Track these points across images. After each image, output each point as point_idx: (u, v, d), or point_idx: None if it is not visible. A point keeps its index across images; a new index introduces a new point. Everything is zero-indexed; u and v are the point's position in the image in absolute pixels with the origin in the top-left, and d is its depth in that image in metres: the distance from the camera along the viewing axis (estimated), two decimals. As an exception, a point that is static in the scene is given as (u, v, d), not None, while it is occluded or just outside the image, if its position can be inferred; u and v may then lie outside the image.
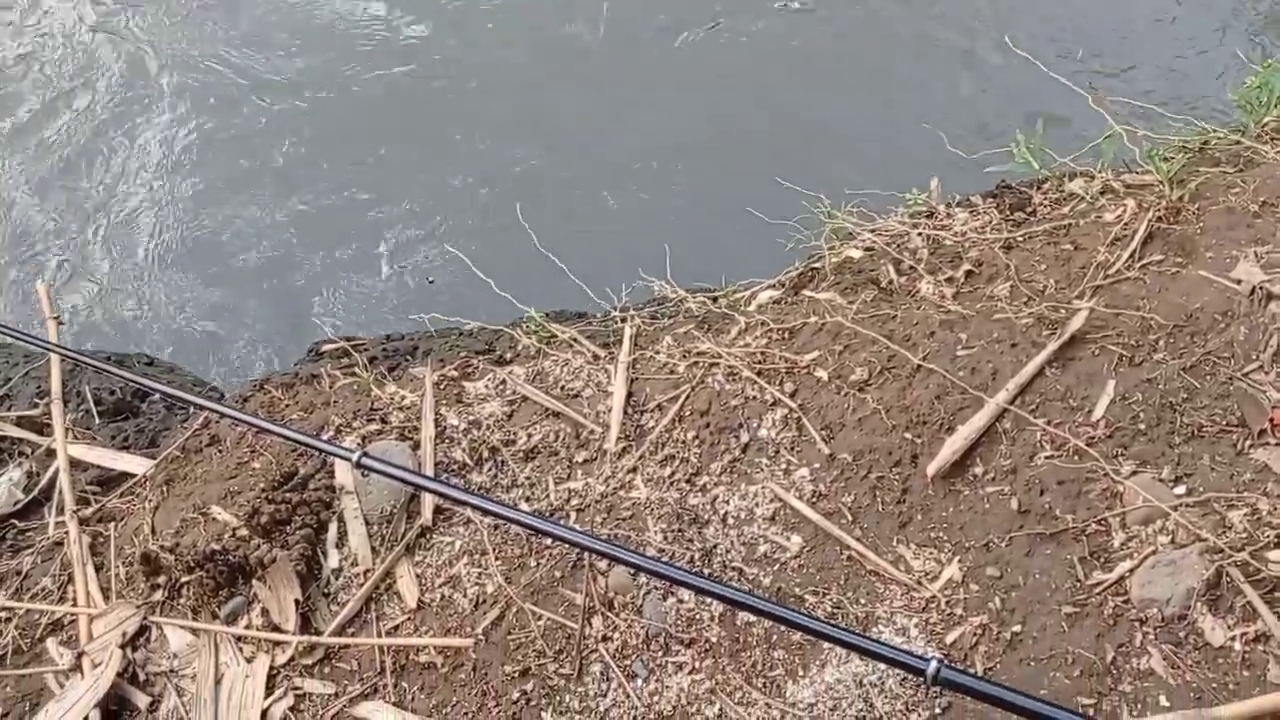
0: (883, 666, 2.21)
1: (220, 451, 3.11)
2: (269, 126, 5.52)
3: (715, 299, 3.21)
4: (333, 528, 2.73)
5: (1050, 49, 3.58)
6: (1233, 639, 2.02)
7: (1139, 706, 2.00)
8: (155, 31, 6.27)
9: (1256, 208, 2.56)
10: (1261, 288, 2.38)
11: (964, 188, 3.21)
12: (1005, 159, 3.15)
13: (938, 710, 2.13)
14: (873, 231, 3.07)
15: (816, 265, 3.11)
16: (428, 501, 2.70)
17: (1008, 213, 3.02)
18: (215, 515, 2.83)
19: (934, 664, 1.89)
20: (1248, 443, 2.22)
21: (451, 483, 2.71)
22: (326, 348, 3.72)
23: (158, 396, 3.78)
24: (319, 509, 2.73)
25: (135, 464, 3.23)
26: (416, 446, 2.84)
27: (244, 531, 2.70)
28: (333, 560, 2.69)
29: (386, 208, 4.89)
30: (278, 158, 5.32)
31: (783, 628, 2.31)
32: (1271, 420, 2.22)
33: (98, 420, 3.62)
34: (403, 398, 3.04)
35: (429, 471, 2.76)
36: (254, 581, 2.64)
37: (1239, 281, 2.41)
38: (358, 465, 2.44)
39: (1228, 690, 1.97)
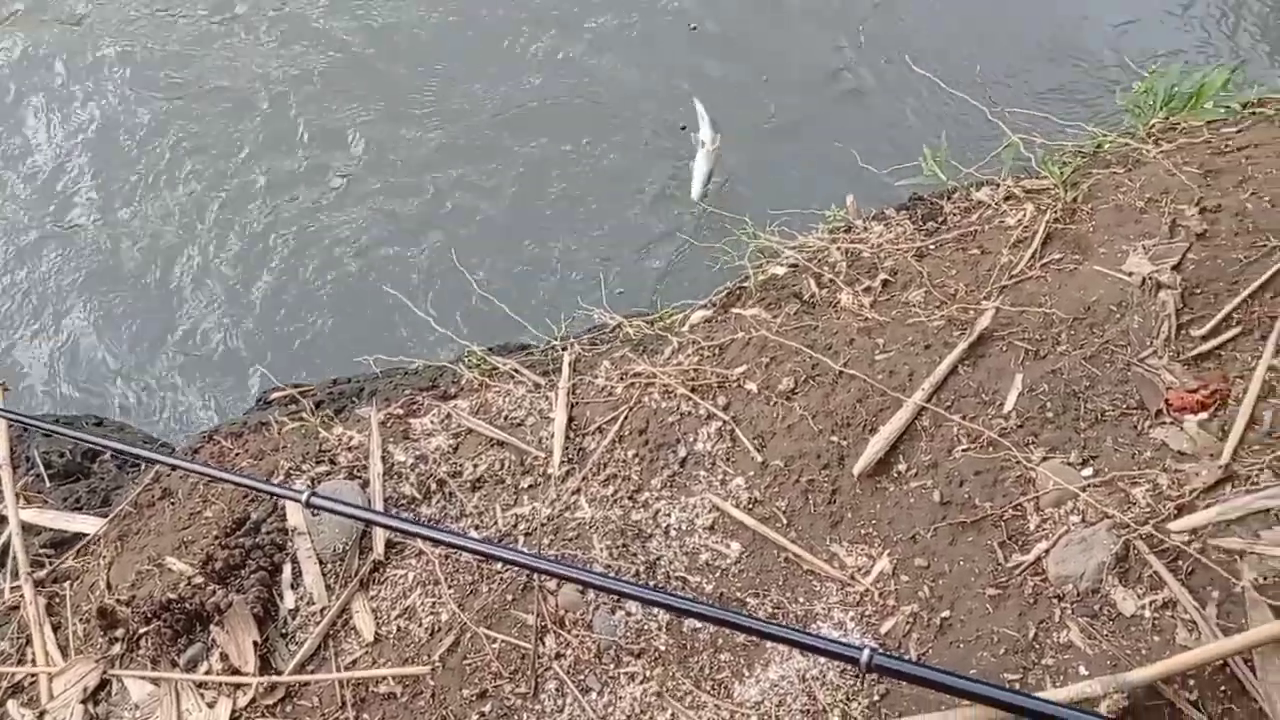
0: (823, 660, 2.32)
1: (173, 504, 3.16)
2: (201, 175, 5.57)
3: (652, 322, 3.33)
4: (287, 569, 2.79)
5: (951, 67, 3.75)
6: (1143, 607, 2.15)
7: (1061, 678, 2.12)
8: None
9: (1143, 204, 2.73)
10: (1151, 278, 2.54)
11: (879, 202, 3.35)
12: (916, 172, 3.30)
13: (876, 697, 2.23)
14: (795, 249, 3.21)
15: (744, 284, 3.24)
16: (379, 536, 2.77)
17: (920, 223, 3.17)
18: (170, 565, 2.88)
19: (866, 652, 2.00)
20: (1146, 423, 2.37)
21: (401, 516, 2.78)
22: (275, 396, 3.78)
23: (109, 456, 3.81)
24: (272, 551, 2.79)
25: (88, 524, 3.26)
26: (365, 484, 2.91)
27: (199, 579, 2.75)
28: (289, 600, 2.75)
29: (320, 254, 4.95)
30: (211, 206, 5.37)
31: (727, 631, 2.41)
32: (1167, 401, 2.37)
33: (49, 483, 3.64)
34: (350, 438, 3.11)
35: (378, 507, 2.83)
36: (211, 627, 2.69)
37: (1130, 274, 2.57)
38: (308, 505, 2.50)
39: (1141, 655, 2.09)
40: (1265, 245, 2.50)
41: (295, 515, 2.85)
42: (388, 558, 2.77)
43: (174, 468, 3.13)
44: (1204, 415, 2.33)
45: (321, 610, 2.71)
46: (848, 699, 2.25)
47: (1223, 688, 2.03)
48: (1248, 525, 2.14)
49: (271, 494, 2.81)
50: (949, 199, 3.26)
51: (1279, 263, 2.46)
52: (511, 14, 5.86)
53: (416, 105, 5.56)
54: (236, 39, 6.34)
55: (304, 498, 2.47)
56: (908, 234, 3.11)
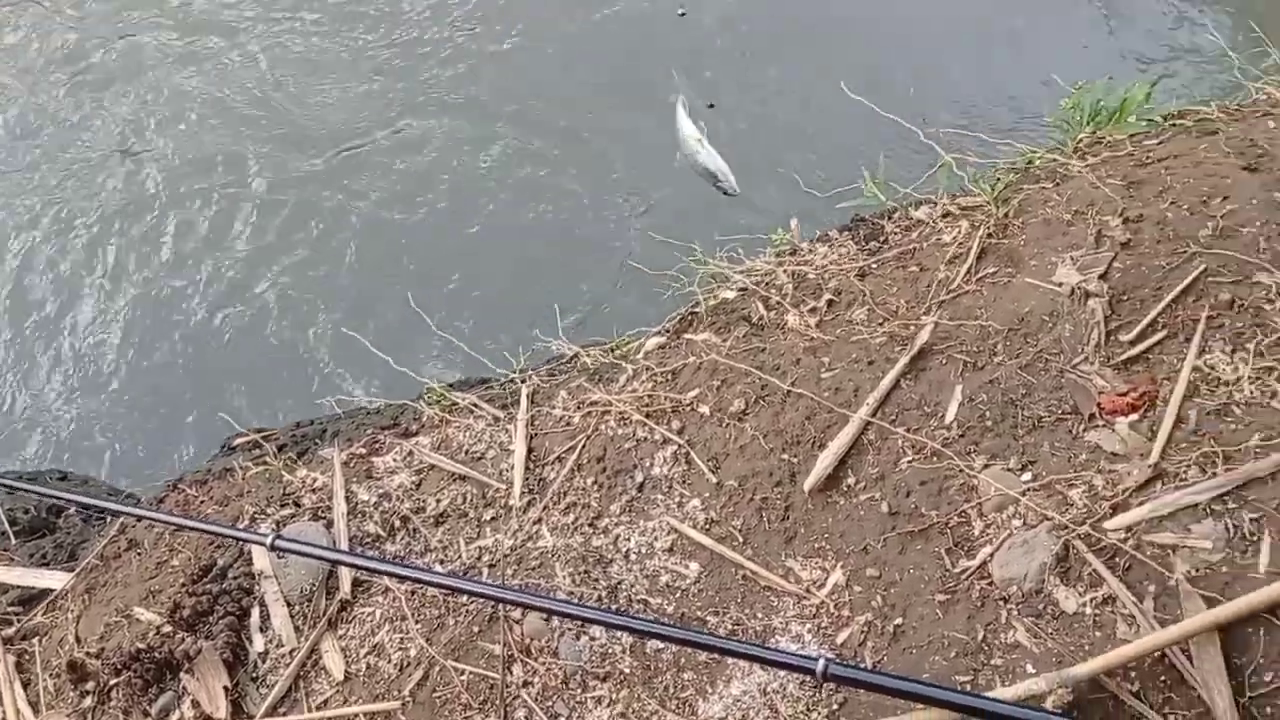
0: (783, 673, 2.38)
1: (139, 554, 3.18)
2: (142, 234, 5.61)
3: (610, 350, 3.40)
4: (255, 613, 2.83)
5: (883, 91, 3.87)
6: (1084, 605, 2.24)
7: (1009, 677, 2.19)
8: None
9: (1070, 217, 2.84)
10: (1079, 287, 2.64)
11: (823, 224, 3.45)
12: (857, 194, 3.40)
13: (835, 706, 2.30)
14: (743, 273, 3.29)
15: (696, 310, 3.32)
16: (345, 576, 2.82)
17: (862, 243, 3.27)
18: (138, 616, 2.91)
19: (822, 662, 2.08)
20: (1081, 427, 2.46)
21: (366, 554, 2.82)
22: (238, 441, 3.82)
23: (74, 510, 3.82)
24: (240, 596, 2.82)
25: (55, 579, 3.28)
26: (330, 525, 2.96)
27: (167, 628, 2.78)
28: (258, 644, 2.78)
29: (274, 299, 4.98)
30: (162, 257, 5.41)
31: (689, 650, 2.47)
32: (1099, 405, 2.47)
33: (14, 540, 3.65)
34: (314, 480, 3.16)
35: (344, 546, 2.88)
36: (182, 675, 2.72)
37: (1060, 284, 2.68)
38: (273, 548, 2.57)
39: (1084, 651, 2.17)
40: (1185, 251, 2.61)
41: (261, 559, 2.89)
42: (355, 596, 2.81)
43: (139, 518, 3.16)
44: (1134, 417, 2.42)
45: (291, 652, 2.75)
46: (808, 709, 2.31)
47: (1162, 677, 2.11)
48: (1178, 520, 2.23)
49: (236, 539, 2.85)
50: (889, 219, 3.36)
51: (1199, 268, 2.57)
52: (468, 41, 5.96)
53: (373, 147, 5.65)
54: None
55: (269, 541, 2.53)
56: (850, 254, 3.20)
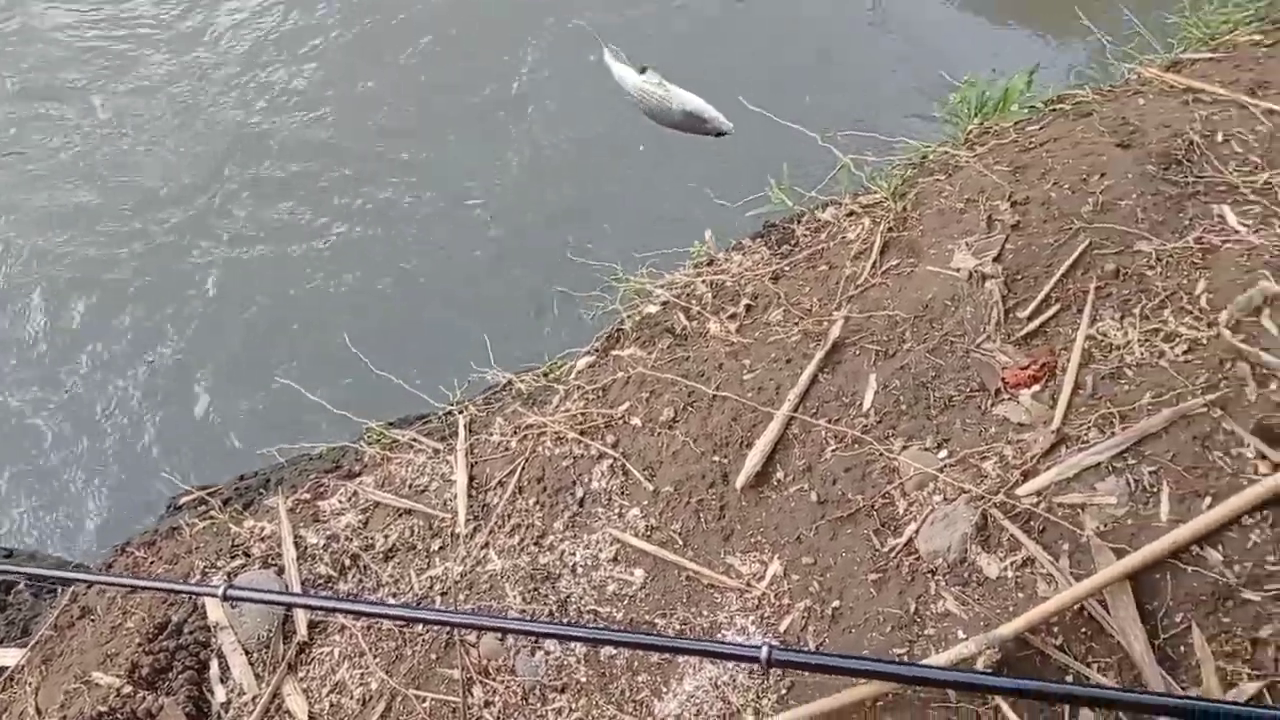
0: (732, 665, 2.48)
1: (93, 620, 3.19)
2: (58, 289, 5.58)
3: (545, 374, 3.48)
4: (214, 664, 2.86)
5: (781, 100, 4.02)
6: (1005, 569, 2.37)
7: (942, 644, 2.31)
8: None
9: (962, 205, 2.99)
10: (976, 271, 2.79)
11: (736, 233, 3.58)
12: (765, 202, 3.53)
13: (783, 690, 2.40)
14: (664, 287, 3.40)
15: (622, 327, 3.42)
16: (301, 618, 2.86)
17: (775, 248, 3.40)
18: (97, 680, 2.92)
19: (765, 649, 2.18)
20: (988, 402, 2.60)
21: (319, 594, 2.87)
22: (184, 500, 3.83)
23: (23, 585, 3.81)
24: (197, 650, 2.85)
25: (9, 656, 3.27)
26: (281, 571, 3.00)
27: (128, 688, 2.80)
28: (220, 695, 2.81)
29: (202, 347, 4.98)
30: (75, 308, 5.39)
31: (641, 653, 2.56)
32: (1003, 380, 2.61)
33: (-36, 622, 3.63)
34: (261, 529, 3.20)
35: (296, 589, 2.92)
36: (146, 733, 2.74)
37: (958, 269, 2.82)
38: (225, 598, 2.61)
39: (1009, 612, 2.29)
40: (1071, 228, 2.77)
41: (215, 611, 2.92)
42: (312, 638, 2.86)
43: (90, 584, 3.18)
44: (1036, 388, 2.57)
45: (254, 699, 2.78)
46: (758, 697, 2.41)
47: (1083, 629, 2.25)
48: (1084, 480, 2.38)
49: (188, 593, 2.88)
50: (799, 222, 3.50)
51: (1084, 243, 2.73)
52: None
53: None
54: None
55: (220, 592, 2.57)
56: (764, 259, 3.33)
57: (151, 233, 5.73)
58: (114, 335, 5.21)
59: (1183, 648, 2.19)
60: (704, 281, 3.34)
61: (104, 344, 5.21)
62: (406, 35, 6.33)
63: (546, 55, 5.66)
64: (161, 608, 3.02)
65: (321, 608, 2.76)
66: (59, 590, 3.57)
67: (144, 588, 2.89)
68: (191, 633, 2.88)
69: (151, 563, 3.34)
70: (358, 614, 2.74)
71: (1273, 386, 2.33)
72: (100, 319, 5.38)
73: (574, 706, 2.55)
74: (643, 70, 3.39)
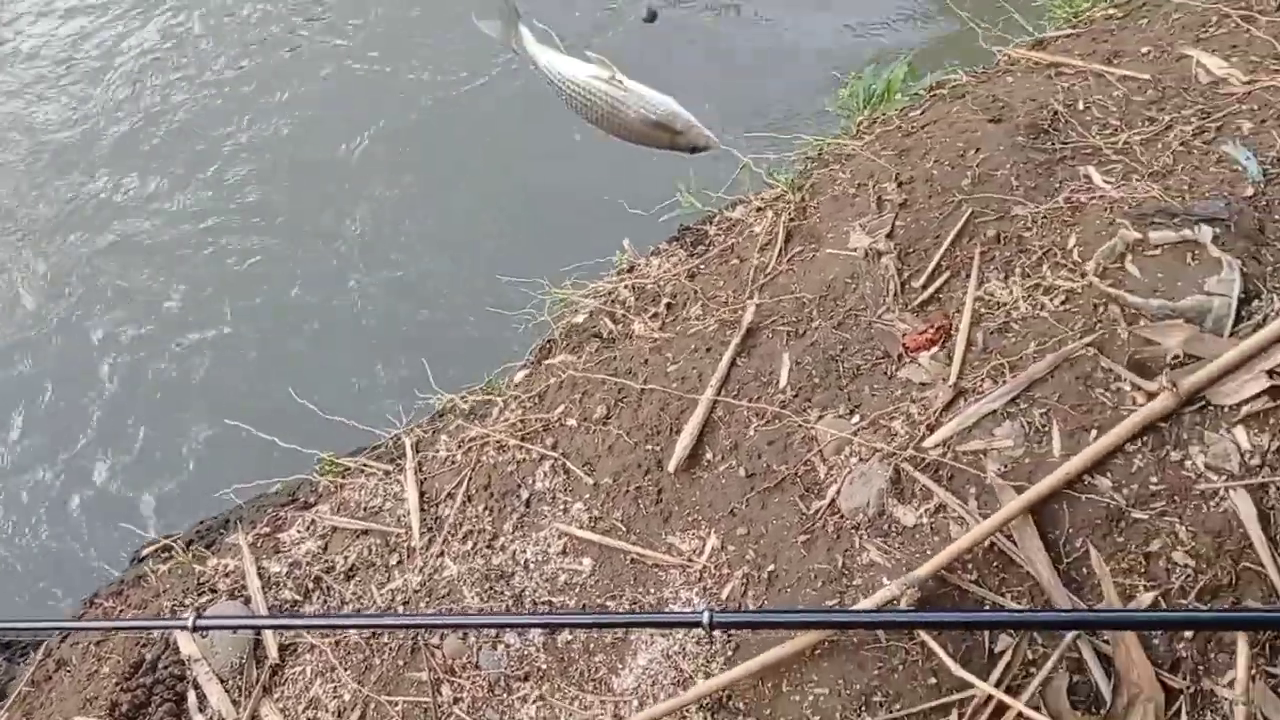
0: (680, 634, 2.65)
1: (69, 671, 3.29)
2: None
3: (484, 391, 3.63)
4: (191, 695, 2.97)
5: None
6: (920, 516, 2.57)
7: (869, 592, 2.49)
8: None
9: (855, 190, 3.22)
10: (871, 249, 3.01)
11: (654, 239, 3.77)
12: (676, 207, 3.73)
13: (730, 653, 2.57)
14: (589, 296, 3.58)
15: (552, 339, 3.60)
16: (270, 641, 2.98)
17: (690, 249, 3.60)
18: (78, 725, 3.02)
19: (706, 614, 2.36)
20: (893, 367, 2.81)
21: (285, 615, 3.00)
22: (147, 551, 3.93)
23: (-6, 651, 3.87)
24: (173, 683, 2.97)
25: (-13, 718, 3.35)
26: (248, 601, 3.12)
27: (109, 728, 2.90)
28: (199, 724, 2.93)
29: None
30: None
31: (595, 635, 2.72)
32: (904, 345, 2.82)
33: (-61, 694, 3.69)
34: (225, 565, 3.32)
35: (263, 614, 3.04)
36: (130, 768, 2.85)
37: (855, 249, 3.04)
38: (195, 629, 2.73)
39: (926, 555, 2.49)
40: (954, 201, 3.00)
41: (188, 645, 3.04)
42: (283, 660, 2.98)
43: (62, 633, 3.27)
44: (934, 349, 2.78)
45: (233, 723, 2.90)
46: (706, 662, 2.58)
47: (994, 563, 2.45)
48: (983, 427, 2.59)
49: (159, 628, 3.00)
50: (711, 223, 3.70)
51: (967, 213, 2.96)
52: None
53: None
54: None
55: (189, 623, 2.69)
56: (681, 260, 3.53)
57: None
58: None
59: (1084, 569, 2.40)
60: (626, 287, 3.52)
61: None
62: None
63: (462, 69, 5.75)
64: (135, 649, 3.12)
65: (289, 626, 2.89)
66: (30, 652, 3.65)
67: (114, 629, 3.00)
68: (166, 668, 2.99)
69: (120, 610, 3.43)
70: (324, 629, 2.87)
71: (1141, 324, 2.56)
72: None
73: (538, 692, 2.70)
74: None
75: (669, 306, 3.34)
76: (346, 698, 2.86)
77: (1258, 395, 2.42)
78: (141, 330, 5.34)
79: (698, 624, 2.43)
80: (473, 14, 2.54)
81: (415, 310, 4.37)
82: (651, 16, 2.87)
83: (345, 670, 2.90)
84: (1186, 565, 2.35)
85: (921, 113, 3.44)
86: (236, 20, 7.04)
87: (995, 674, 2.34)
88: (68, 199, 6.22)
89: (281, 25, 6.87)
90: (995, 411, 2.60)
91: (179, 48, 6.93)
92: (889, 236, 3.02)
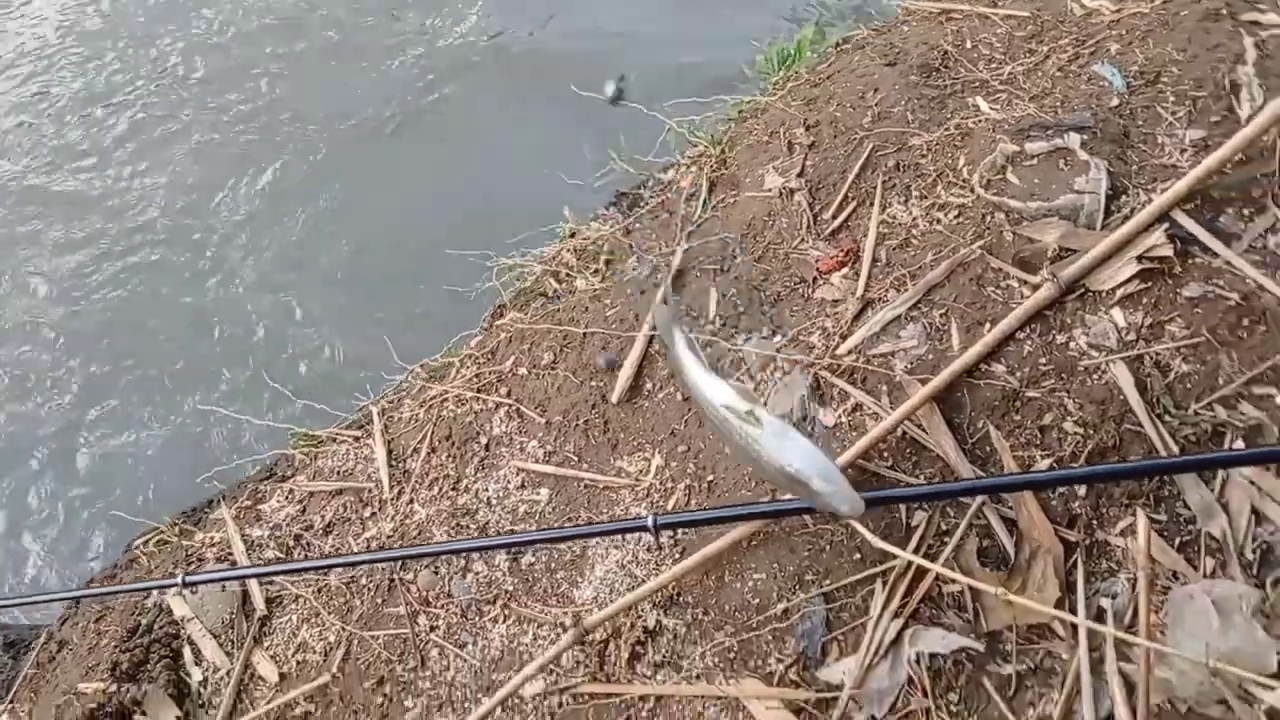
0: (632, 544, 2.88)
1: (71, 649, 3.48)
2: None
3: (445, 355, 3.85)
4: (186, 651, 3.18)
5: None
6: (839, 416, 2.82)
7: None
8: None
9: (768, 138, 3.48)
10: (785, 188, 3.27)
11: (594, 205, 4.03)
12: (611, 174, 3.99)
13: (678, 554, 2.81)
14: (536, 261, 3.83)
15: (503, 305, 3.84)
16: (257, 594, 3.20)
17: (626, 211, 3.85)
18: (83, 690, 3.21)
19: (650, 518, 2.59)
20: (809, 290, 3.07)
21: (269, 565, 3.21)
22: (138, 542, 4.13)
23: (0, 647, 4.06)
24: (169, 640, 3.17)
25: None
26: (234, 563, 3.33)
27: (112, 686, 3.11)
28: (196, 675, 3.13)
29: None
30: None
31: (556, 553, 2.96)
32: (818, 269, 3.08)
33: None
34: (212, 538, 3.53)
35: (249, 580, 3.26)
36: (136, 718, 3.05)
37: (770, 190, 3.30)
38: (185, 585, 2.94)
39: (846, 449, 2.74)
40: (856, 138, 3.27)
41: (180, 606, 3.25)
42: (271, 611, 3.20)
43: (63, 618, 3.47)
44: (845, 270, 3.04)
45: (227, 673, 3.11)
46: (657, 566, 2.82)
47: (907, 450, 2.70)
48: (890, 332, 2.84)
49: (152, 588, 3.20)
50: (645, 186, 3.96)
51: (869, 148, 3.23)
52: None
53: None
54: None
55: (179, 579, 2.91)
56: (619, 222, 3.78)
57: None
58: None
59: (987, 447, 2.65)
60: (569, 250, 3.77)
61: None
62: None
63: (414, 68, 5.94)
64: (131, 618, 3.33)
65: (271, 573, 3.10)
66: (30, 644, 3.85)
67: (109, 594, 3.20)
68: (162, 628, 3.20)
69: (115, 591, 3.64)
70: (303, 570, 3.09)
71: (1023, 226, 2.83)
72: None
73: (506, 612, 2.93)
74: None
75: (608, 262, 3.59)
76: (331, 638, 3.07)
77: (1130, 279, 2.69)
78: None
79: (644, 528, 2.67)
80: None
81: (375, 293, 4.58)
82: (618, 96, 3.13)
83: (329, 613, 3.11)
84: (1076, 433, 2.61)
85: (828, 65, 3.71)
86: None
87: (913, 544, 2.58)
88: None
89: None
90: (899, 317, 2.85)
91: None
92: (800, 175, 3.28)
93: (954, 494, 2.56)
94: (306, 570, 3.10)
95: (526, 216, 4.04)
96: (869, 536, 2.55)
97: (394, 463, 3.40)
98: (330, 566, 3.04)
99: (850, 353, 2.86)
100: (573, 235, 3.88)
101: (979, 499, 2.59)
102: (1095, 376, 2.65)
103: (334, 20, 6.59)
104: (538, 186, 4.35)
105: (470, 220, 4.39)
